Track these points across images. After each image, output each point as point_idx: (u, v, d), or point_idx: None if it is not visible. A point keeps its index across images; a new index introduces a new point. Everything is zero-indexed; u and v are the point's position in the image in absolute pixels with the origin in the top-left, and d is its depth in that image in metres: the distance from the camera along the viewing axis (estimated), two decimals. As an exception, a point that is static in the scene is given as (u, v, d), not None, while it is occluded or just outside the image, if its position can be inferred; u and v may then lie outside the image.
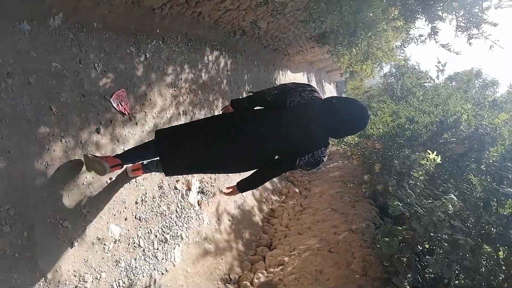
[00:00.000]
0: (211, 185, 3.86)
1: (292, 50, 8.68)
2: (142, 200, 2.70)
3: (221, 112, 2.19)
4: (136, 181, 2.68)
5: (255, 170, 2.15)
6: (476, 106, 3.55)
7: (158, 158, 2.18)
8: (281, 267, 3.53)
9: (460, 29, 3.42)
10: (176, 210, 3.13)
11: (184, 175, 3.28)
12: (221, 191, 2.38)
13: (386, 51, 8.39)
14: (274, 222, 4.67)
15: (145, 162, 2.55)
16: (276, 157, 2.02)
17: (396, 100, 6.81)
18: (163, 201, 2.97)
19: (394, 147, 3.53)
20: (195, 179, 3.58)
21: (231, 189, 2.25)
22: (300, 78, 12.46)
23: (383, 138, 3.65)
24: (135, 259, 2.53)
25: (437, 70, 7.41)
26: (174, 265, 2.93)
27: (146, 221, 2.71)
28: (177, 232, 3.08)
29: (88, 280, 2.09)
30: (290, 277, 3.23)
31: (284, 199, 5.57)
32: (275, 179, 6.01)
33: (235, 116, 2.03)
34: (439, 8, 3.54)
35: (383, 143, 3.63)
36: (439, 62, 7.35)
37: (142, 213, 2.69)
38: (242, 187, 2.21)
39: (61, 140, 2.05)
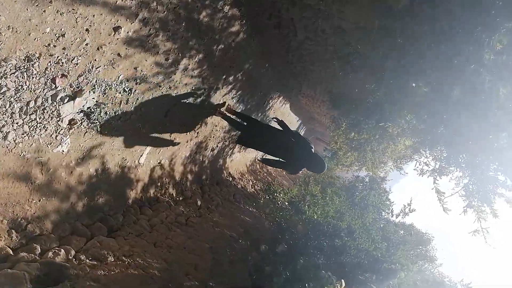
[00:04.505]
0: (116, 118, 2.91)
1: (306, 90, 8.06)
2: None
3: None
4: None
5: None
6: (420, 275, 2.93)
7: (239, 134, 4.33)
8: (94, 262, 2.59)
9: (465, 190, 2.87)
10: (27, 102, 2.16)
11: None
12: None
13: (376, 159, 7.98)
14: (145, 213, 3.73)
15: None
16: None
17: (350, 203, 6.23)
18: (14, 77, 2.00)
19: (312, 245, 2.79)
20: (96, 94, 2.63)
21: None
22: (293, 120, 11.87)
23: (311, 225, 2.91)
24: None
25: (401, 210, 7.02)
26: (-41, 158, 1.93)
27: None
28: (3, 127, 2.09)
29: None
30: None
31: (180, 199, 4.64)
32: (189, 177, 5.11)
33: (279, 135, 3.90)
34: (463, 156, 2.98)
35: (306, 230, 2.89)
36: (409, 205, 6.98)
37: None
38: (263, 160, 4.31)
39: None
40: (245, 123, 4.32)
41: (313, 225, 2.97)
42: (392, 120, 4.22)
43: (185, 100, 3.92)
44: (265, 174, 10.64)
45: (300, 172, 4.20)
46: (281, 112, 9.29)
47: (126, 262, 2.76)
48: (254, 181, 8.93)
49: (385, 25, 2.02)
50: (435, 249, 7.96)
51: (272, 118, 4.36)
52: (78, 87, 2.46)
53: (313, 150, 3.74)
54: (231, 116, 4.45)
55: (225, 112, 4.51)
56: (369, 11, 2.26)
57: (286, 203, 3.95)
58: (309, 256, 2.58)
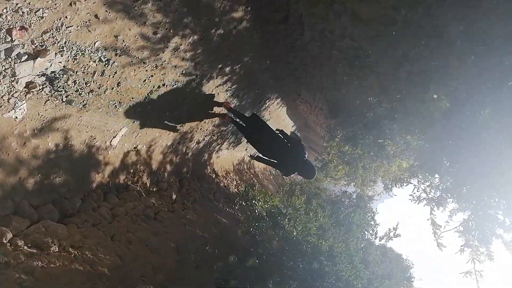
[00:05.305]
0: (86, 90, 2.54)
1: (305, 95, 7.76)
2: None
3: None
4: None
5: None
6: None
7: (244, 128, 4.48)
8: (33, 250, 2.23)
9: (463, 226, 2.59)
10: (-30, 51, 1.80)
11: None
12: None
13: (367, 177, 7.74)
14: (109, 200, 3.37)
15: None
16: None
17: (334, 219, 5.93)
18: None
19: (287, 265, 2.46)
20: (64, 58, 2.27)
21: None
22: (288, 125, 11.56)
23: (288, 242, 2.59)
24: None
25: (385, 234, 6.76)
26: None
27: None
28: None
29: None
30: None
31: (153, 190, 4.28)
32: (168, 167, 4.74)
33: (277, 138, 4.07)
34: (465, 189, 2.70)
35: (283, 247, 2.56)
36: (394, 229, 6.72)
37: None
38: (256, 158, 4.35)
39: None
40: (244, 124, 4.53)
41: (291, 243, 2.66)
42: (391, 138, 3.93)
43: (173, 84, 3.58)
44: (251, 176, 10.32)
45: (292, 175, 4.65)
46: (277, 114, 8.97)
47: (72, 255, 2.41)
48: (239, 181, 8.59)
49: (410, 19, 1.70)
50: (412, 276, 7.71)
51: (276, 129, 4.27)
52: (41, 46, 2.11)
53: (306, 156, 3.92)
54: (235, 119, 4.69)
55: (226, 112, 4.81)
56: (391, 4, 1.95)
57: (264, 213, 3.60)
58: (281, 277, 2.26)
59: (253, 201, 3.74)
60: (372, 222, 7.18)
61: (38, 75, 2.20)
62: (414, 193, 3.32)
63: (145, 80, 3.15)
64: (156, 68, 3.16)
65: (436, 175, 3.08)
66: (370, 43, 2.54)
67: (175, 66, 3.39)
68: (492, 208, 3.00)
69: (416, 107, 1.86)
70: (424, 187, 3.25)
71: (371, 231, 6.97)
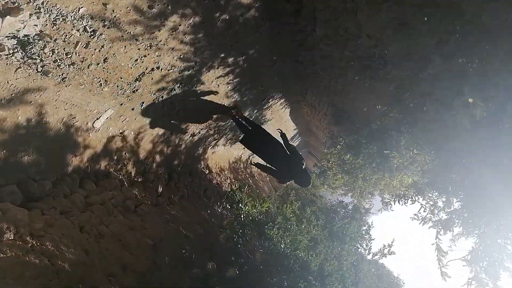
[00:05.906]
0: (66, 62, 2.26)
1: (310, 97, 7.47)
2: None
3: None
4: None
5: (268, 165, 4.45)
6: None
7: (243, 135, 4.67)
8: (-18, 237, 1.95)
9: (473, 254, 2.32)
10: None
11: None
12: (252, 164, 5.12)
13: (366, 189, 7.48)
14: (85, 187, 3.08)
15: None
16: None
17: (328, 230, 5.65)
18: None
19: (271, 282, 2.18)
20: (40, 21, 1.99)
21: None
22: (290, 128, 11.28)
23: (273, 255, 2.31)
24: None
25: (380, 250, 6.48)
26: None
27: None
28: None
29: None
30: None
31: (137, 181, 3.99)
32: (157, 158, 4.46)
33: (278, 146, 4.25)
34: (476, 211, 2.43)
35: (267, 261, 2.28)
36: (389, 246, 6.45)
37: None
38: (256, 164, 4.63)
39: None
40: (250, 128, 4.67)
41: (277, 256, 2.38)
42: (397, 151, 3.65)
43: (168, 68, 3.29)
44: (247, 175, 10.04)
45: (288, 183, 4.87)
46: (279, 116, 8.69)
47: (29, 245, 2.12)
48: (233, 180, 8.31)
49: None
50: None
51: (277, 129, 4.60)
52: (13, 3, 1.82)
53: (303, 166, 4.11)
54: (241, 121, 4.79)
55: (235, 115, 4.87)
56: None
57: (250, 218, 3.29)
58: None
59: (240, 205, 3.43)
60: (367, 236, 6.90)
61: (7, 36, 1.92)
62: (420, 212, 3.04)
63: (137, 59, 2.87)
64: (150, 48, 2.88)
65: (444, 195, 2.81)
66: (392, 36, 2.22)
67: (172, 48, 3.11)
68: (501, 237, 2.73)
69: (440, 113, 1.57)
70: (429, 206, 2.97)
71: (365, 246, 6.69)
